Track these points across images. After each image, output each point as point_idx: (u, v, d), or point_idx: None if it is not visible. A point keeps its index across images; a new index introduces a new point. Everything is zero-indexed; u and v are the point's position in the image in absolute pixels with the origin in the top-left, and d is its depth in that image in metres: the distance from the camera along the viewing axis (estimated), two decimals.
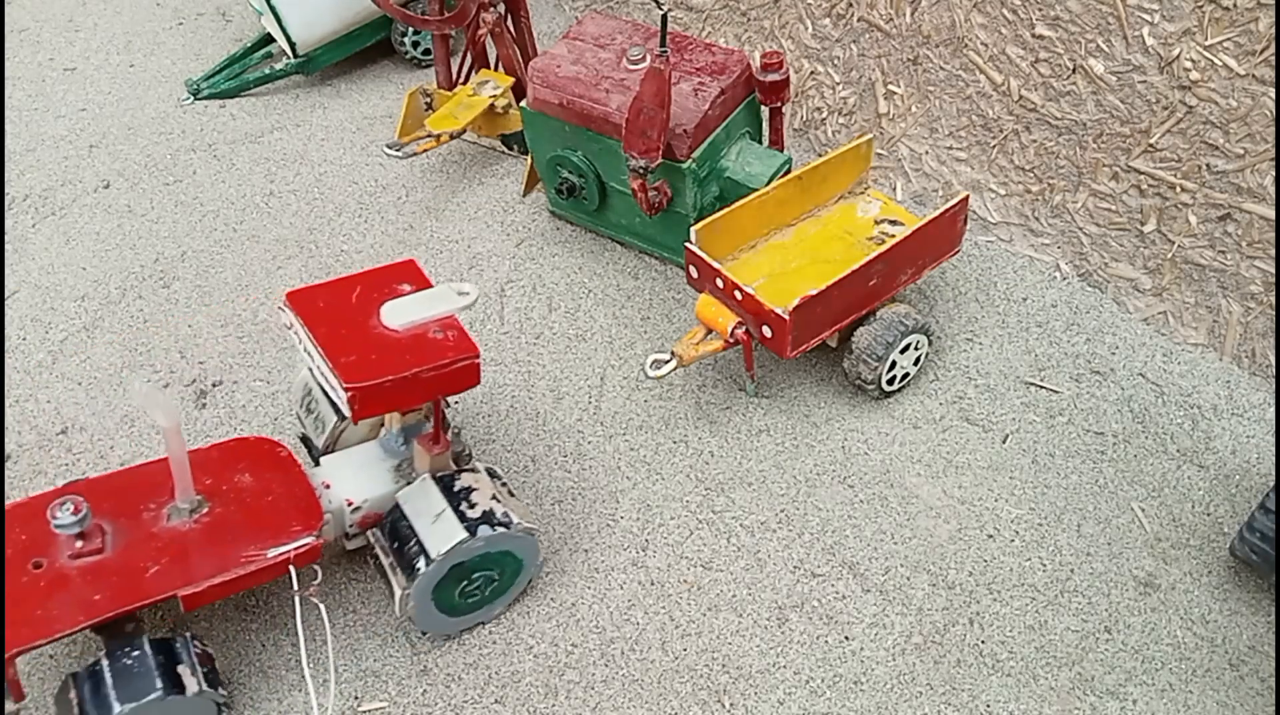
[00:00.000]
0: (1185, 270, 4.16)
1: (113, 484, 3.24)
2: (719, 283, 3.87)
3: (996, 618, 3.50)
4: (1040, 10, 4.11)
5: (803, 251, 4.19)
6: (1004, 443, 3.96)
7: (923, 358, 4.12)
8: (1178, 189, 4.05)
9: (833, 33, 4.83)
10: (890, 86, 4.75)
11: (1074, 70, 4.13)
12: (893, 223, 4.24)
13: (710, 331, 3.94)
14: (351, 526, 3.44)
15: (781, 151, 4.43)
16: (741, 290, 3.76)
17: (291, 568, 3.16)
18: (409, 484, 3.42)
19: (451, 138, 4.82)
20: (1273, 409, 4.00)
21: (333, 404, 3.53)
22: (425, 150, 4.77)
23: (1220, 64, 3.74)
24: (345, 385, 3.00)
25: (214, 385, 4.32)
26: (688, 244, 3.95)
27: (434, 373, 3.10)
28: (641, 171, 4.10)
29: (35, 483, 4.01)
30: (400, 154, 4.74)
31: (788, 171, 4.35)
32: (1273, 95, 3.66)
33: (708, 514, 3.81)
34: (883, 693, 3.35)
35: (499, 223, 4.90)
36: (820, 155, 5.10)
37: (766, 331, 3.77)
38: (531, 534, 3.41)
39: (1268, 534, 3.32)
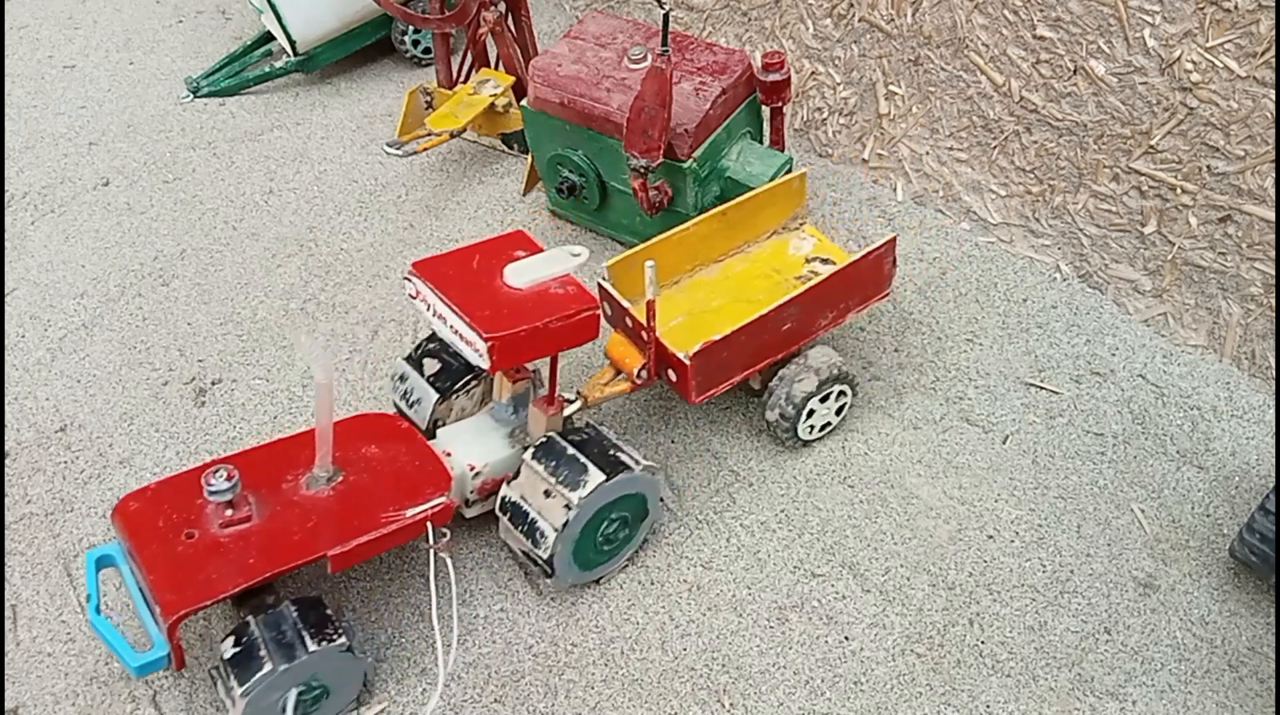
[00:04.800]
0: (1185, 272, 4.17)
1: (250, 459, 3.38)
2: (629, 321, 3.72)
3: (996, 618, 3.50)
4: (1041, 11, 4.12)
5: (726, 289, 4.06)
6: (1004, 443, 3.96)
7: (846, 408, 3.97)
8: (1178, 190, 4.05)
9: (834, 33, 4.84)
10: (891, 87, 4.75)
11: (1075, 71, 4.14)
12: (824, 261, 4.08)
13: (620, 372, 3.78)
14: (472, 492, 3.57)
15: (782, 151, 4.43)
16: (651, 326, 3.59)
17: (429, 525, 3.31)
18: (526, 449, 3.51)
19: (452, 136, 4.82)
20: (1273, 411, 4.00)
21: (458, 368, 3.73)
22: (425, 149, 4.77)
23: (1221, 66, 3.74)
24: (485, 335, 3.18)
25: (213, 383, 4.31)
26: (600, 281, 3.81)
27: (561, 323, 3.29)
28: (642, 171, 4.10)
29: (34, 480, 4.00)
30: (400, 152, 4.74)
31: (788, 171, 4.35)
32: (1273, 97, 3.67)
33: (708, 514, 3.81)
34: (882, 693, 3.35)
35: (499, 222, 4.90)
36: (822, 156, 5.10)
37: (672, 375, 3.66)
38: (653, 472, 3.51)
39: (1267, 535, 3.32)
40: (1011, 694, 3.33)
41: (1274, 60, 3.61)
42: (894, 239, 3.85)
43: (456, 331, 3.31)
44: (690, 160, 4.18)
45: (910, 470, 3.90)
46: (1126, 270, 4.34)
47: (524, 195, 5.00)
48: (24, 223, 5.05)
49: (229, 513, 3.17)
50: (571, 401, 3.70)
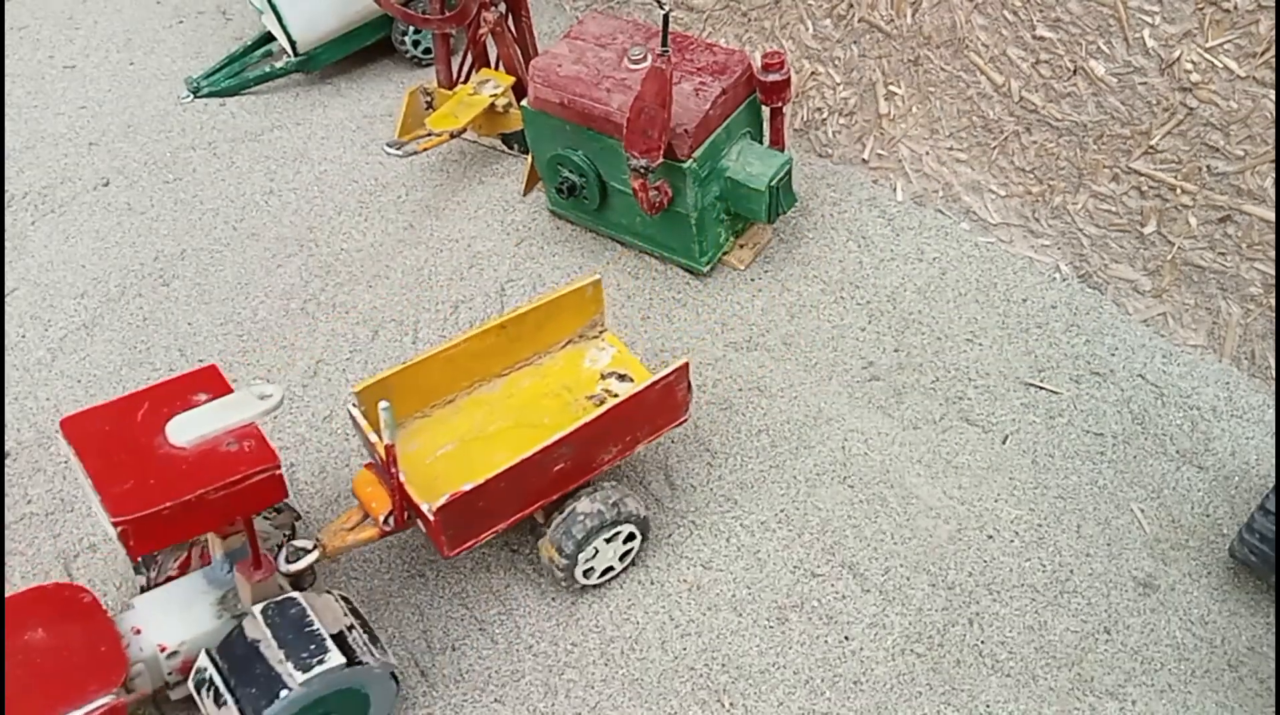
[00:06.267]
0: (1185, 272, 4.17)
1: None
2: (380, 456, 3.26)
3: (996, 618, 3.50)
4: (1041, 12, 4.12)
5: (509, 410, 3.69)
6: (1004, 443, 3.96)
7: (634, 553, 3.62)
8: (1178, 191, 4.05)
9: (834, 33, 4.84)
10: (891, 87, 4.75)
11: (1075, 72, 4.14)
12: (621, 377, 3.77)
13: (368, 515, 3.36)
14: (171, 674, 3.09)
15: (782, 151, 4.43)
16: (393, 472, 3.18)
17: None
18: (237, 619, 3.05)
19: (452, 136, 4.82)
20: (1272, 411, 4.00)
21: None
22: (425, 149, 4.77)
23: (1221, 66, 3.74)
24: (114, 519, 2.68)
25: None
26: (349, 407, 3.39)
27: (225, 492, 2.79)
28: (642, 171, 4.10)
29: (34, 480, 4.00)
30: (400, 152, 4.74)
31: (789, 172, 4.35)
32: (1273, 97, 3.67)
33: (708, 514, 3.81)
34: (882, 693, 3.35)
35: (499, 222, 4.90)
36: (822, 156, 5.10)
37: (422, 523, 3.28)
38: (391, 672, 3.08)
39: (1267, 535, 3.32)
40: (1011, 694, 3.33)
41: (1274, 60, 3.61)
42: (685, 365, 3.50)
43: (97, 510, 2.79)
44: (690, 160, 4.18)
45: (910, 470, 3.90)
46: (1126, 270, 4.34)
47: (524, 195, 5.00)
48: (24, 223, 5.05)
49: None
50: (307, 551, 3.22)
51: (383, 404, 3.04)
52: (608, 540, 3.49)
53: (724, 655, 3.45)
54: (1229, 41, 3.69)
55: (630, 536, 3.55)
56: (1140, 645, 3.43)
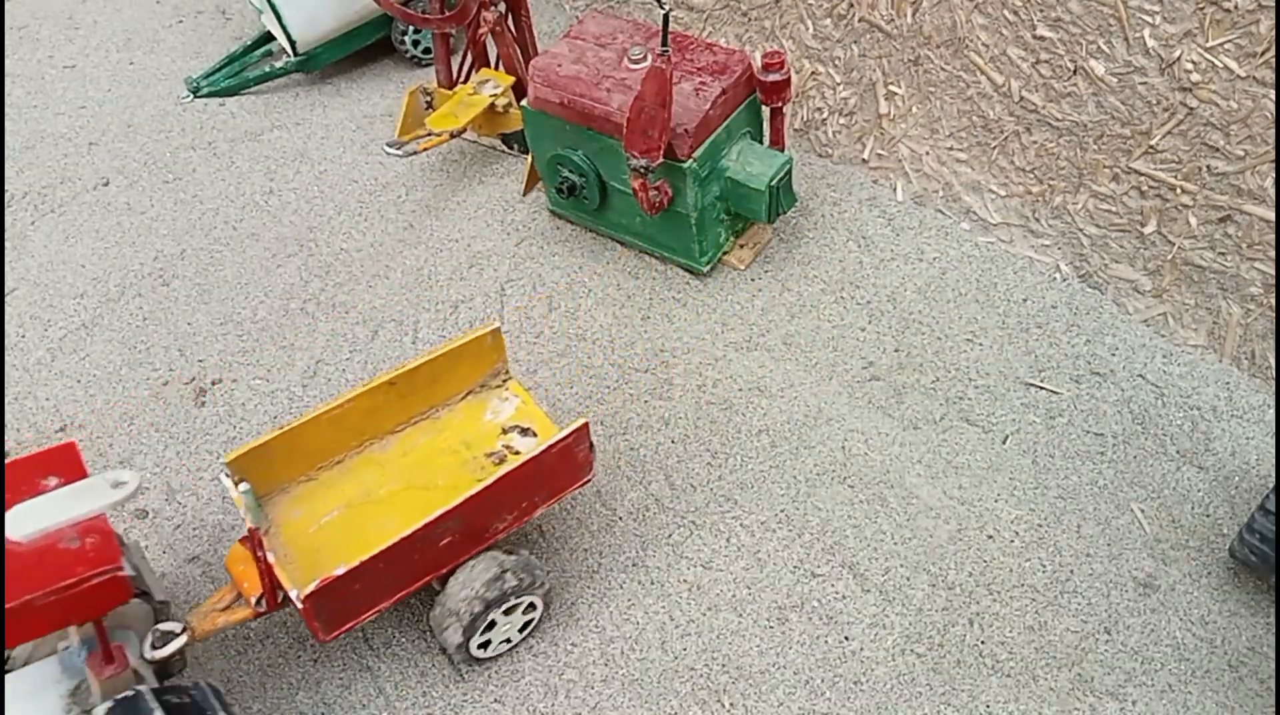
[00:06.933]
0: (1185, 272, 4.17)
1: None
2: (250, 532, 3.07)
3: (996, 618, 3.50)
4: (1041, 11, 4.11)
5: (402, 470, 3.48)
6: (1004, 443, 3.96)
7: (534, 624, 3.45)
8: (1178, 191, 4.05)
9: (834, 33, 4.83)
10: (891, 87, 4.75)
11: (1075, 71, 4.14)
12: (524, 431, 3.58)
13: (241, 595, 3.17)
14: None
15: (782, 151, 4.43)
16: (259, 556, 3.00)
17: None
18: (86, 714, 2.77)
19: (452, 136, 4.82)
20: (1272, 411, 4.00)
21: None
22: (425, 149, 4.77)
23: (1221, 66, 3.74)
24: None
25: (213, 383, 4.31)
26: (223, 475, 3.14)
27: (56, 597, 2.53)
28: (643, 171, 4.10)
29: None
30: (400, 152, 4.74)
31: (789, 172, 4.35)
32: (1273, 97, 3.67)
33: (707, 514, 3.81)
34: (883, 693, 3.35)
35: (499, 222, 4.90)
36: (822, 156, 5.10)
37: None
38: None
39: (1267, 535, 3.32)
40: (1011, 694, 3.33)
41: (1274, 60, 3.61)
42: (585, 426, 3.32)
43: None
44: (690, 160, 4.18)
45: (910, 470, 3.90)
46: (1126, 270, 4.34)
47: (524, 195, 5.00)
48: (24, 223, 5.05)
49: None
50: (174, 635, 2.98)
51: (242, 486, 2.87)
52: (506, 612, 3.31)
53: (724, 655, 3.45)
54: (1229, 41, 3.69)
55: (530, 607, 3.38)
56: (1140, 645, 3.43)
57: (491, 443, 3.57)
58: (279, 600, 3.12)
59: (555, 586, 3.64)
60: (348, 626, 3.10)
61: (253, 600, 3.10)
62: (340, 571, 2.95)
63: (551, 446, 3.26)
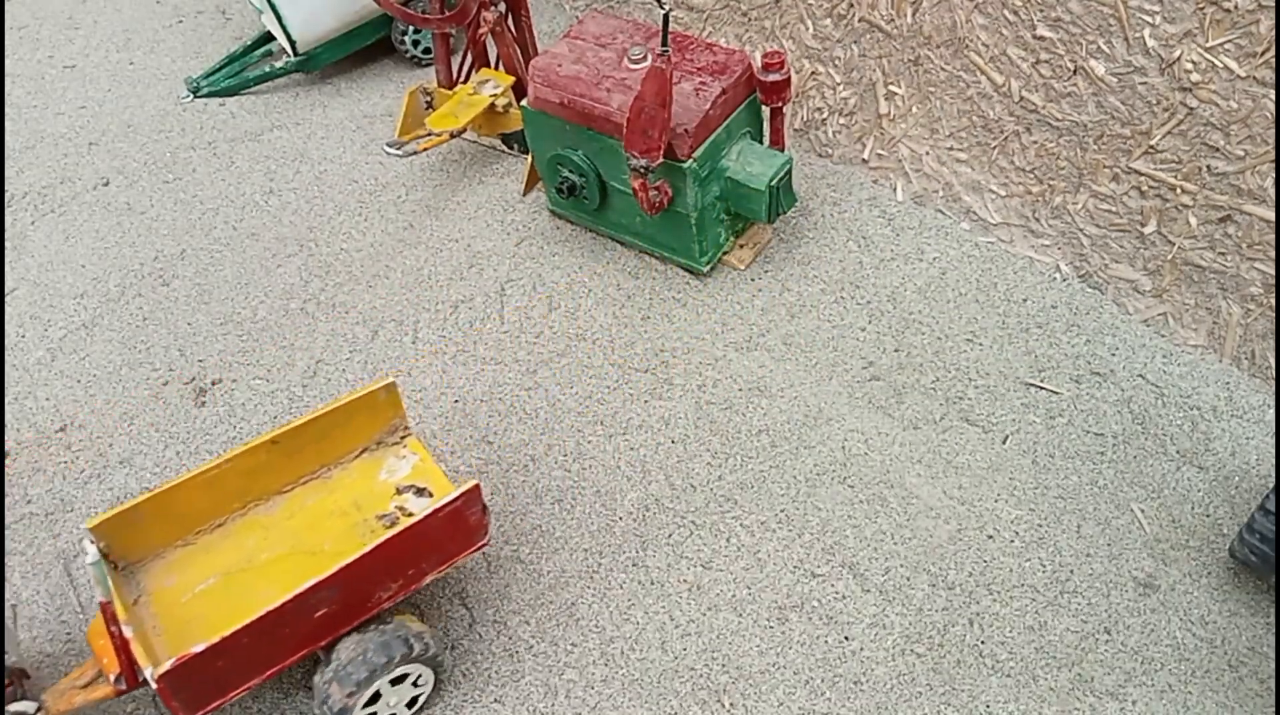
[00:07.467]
0: (1185, 272, 4.17)
1: None
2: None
3: (996, 618, 3.50)
4: (1041, 11, 4.11)
5: (287, 534, 3.29)
6: (1004, 443, 3.96)
7: (424, 698, 3.27)
8: (1178, 191, 4.05)
9: (834, 33, 4.83)
10: (891, 87, 4.75)
11: (1075, 71, 4.14)
12: (419, 491, 3.40)
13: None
14: None
15: (782, 151, 4.43)
16: (113, 631, 2.81)
17: None
18: None
19: (452, 136, 4.82)
20: (1272, 411, 4.00)
21: None
22: (425, 149, 4.77)
23: (1221, 66, 3.74)
24: None
25: (213, 383, 4.31)
26: (85, 542, 2.94)
27: None
28: (642, 171, 4.10)
29: (34, 481, 4.00)
30: (400, 152, 4.74)
31: (789, 172, 4.35)
32: (1273, 97, 3.66)
33: (707, 514, 3.81)
34: (883, 693, 3.35)
35: (499, 222, 4.90)
36: (822, 156, 5.10)
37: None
38: None
39: (1267, 535, 3.32)
40: (1011, 694, 3.33)
41: (1274, 60, 3.61)
42: (476, 488, 3.14)
43: None
44: (690, 160, 4.18)
45: (910, 470, 3.90)
46: (1126, 270, 4.34)
47: (524, 195, 5.00)
48: (24, 223, 5.05)
49: None
50: (33, 711, 2.86)
51: (90, 557, 2.70)
52: (394, 683, 3.13)
53: (724, 655, 3.45)
54: (1229, 41, 3.69)
55: (419, 680, 3.20)
56: (1140, 645, 3.43)
57: (384, 504, 3.39)
58: (138, 678, 2.91)
59: (555, 585, 3.63)
60: (214, 706, 2.89)
61: (111, 678, 2.92)
62: (199, 649, 2.74)
63: (438, 510, 3.07)
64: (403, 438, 3.54)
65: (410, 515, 3.27)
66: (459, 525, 3.15)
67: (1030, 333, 4.31)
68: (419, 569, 3.14)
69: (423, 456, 3.50)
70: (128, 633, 2.82)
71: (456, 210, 4.98)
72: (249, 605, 2.84)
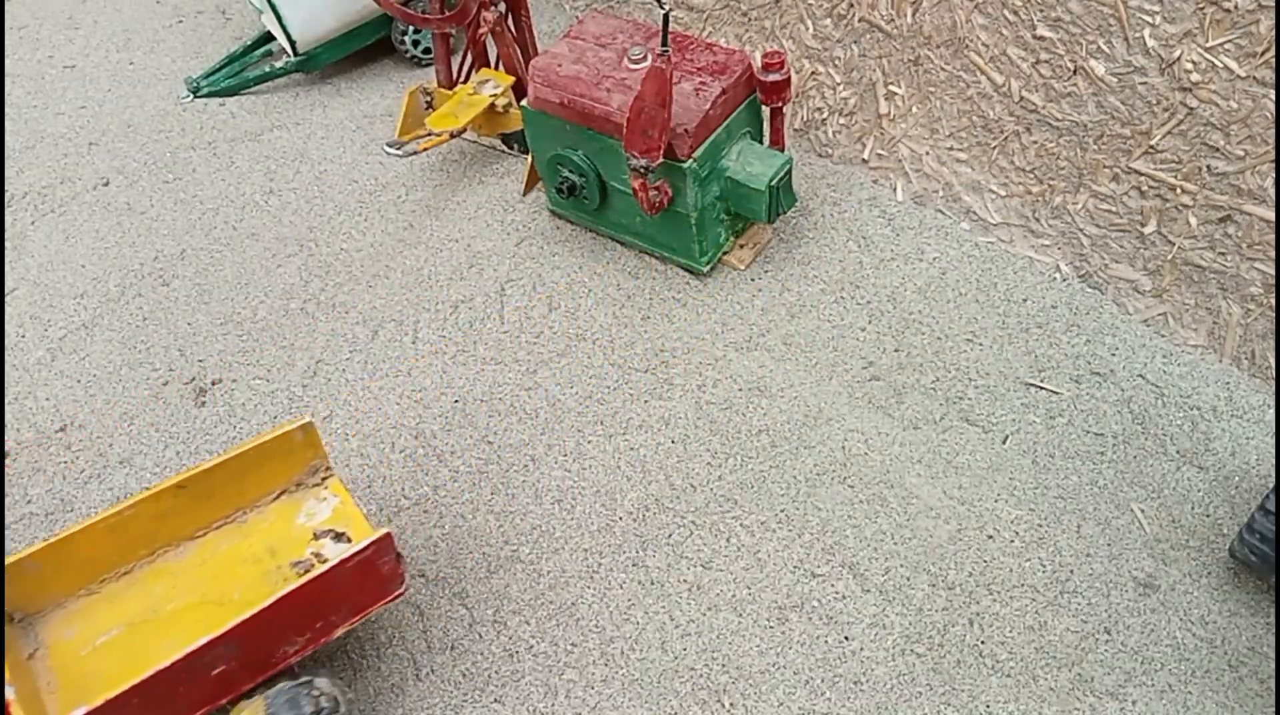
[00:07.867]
0: (1185, 272, 4.17)
1: None
2: None
3: (996, 618, 3.50)
4: (1041, 11, 4.11)
5: (197, 582, 3.15)
6: (1004, 443, 3.96)
7: None
8: (1178, 191, 4.05)
9: (834, 33, 4.83)
10: (891, 87, 4.75)
11: (1075, 71, 4.13)
12: (338, 536, 3.27)
13: None
14: None
15: (782, 151, 4.43)
16: None
17: None
18: None
19: (452, 136, 4.82)
20: (1272, 411, 4.00)
21: None
22: (425, 149, 4.77)
23: (1221, 66, 3.74)
24: None
25: (213, 383, 4.31)
26: None
27: None
28: (643, 171, 4.10)
29: (34, 481, 4.00)
30: (400, 152, 4.74)
31: (789, 172, 4.35)
32: (1273, 97, 3.66)
33: (707, 514, 3.81)
34: (883, 693, 3.35)
35: (499, 222, 4.90)
36: (822, 156, 5.10)
37: None
38: None
39: (1267, 535, 3.32)
40: (1011, 694, 3.33)
41: (1274, 60, 3.61)
42: (388, 536, 3.02)
43: None
44: (690, 160, 4.18)
45: (910, 470, 3.90)
46: (1126, 270, 4.34)
47: (524, 195, 5.00)
48: (24, 223, 5.05)
49: None
50: None
51: None
52: None
53: (724, 655, 3.45)
54: (1229, 41, 3.69)
55: None
56: (1140, 645, 3.43)
57: (300, 550, 3.24)
58: None
59: (554, 585, 3.63)
60: None
61: None
62: (81, 712, 2.58)
63: (346, 560, 2.92)
64: (324, 479, 3.40)
65: (325, 561, 3.12)
66: (370, 575, 3.01)
67: (1030, 333, 4.31)
68: (328, 621, 3.00)
69: (344, 498, 3.35)
70: (9, 694, 2.65)
71: (456, 210, 4.98)
72: (152, 659, 2.68)
